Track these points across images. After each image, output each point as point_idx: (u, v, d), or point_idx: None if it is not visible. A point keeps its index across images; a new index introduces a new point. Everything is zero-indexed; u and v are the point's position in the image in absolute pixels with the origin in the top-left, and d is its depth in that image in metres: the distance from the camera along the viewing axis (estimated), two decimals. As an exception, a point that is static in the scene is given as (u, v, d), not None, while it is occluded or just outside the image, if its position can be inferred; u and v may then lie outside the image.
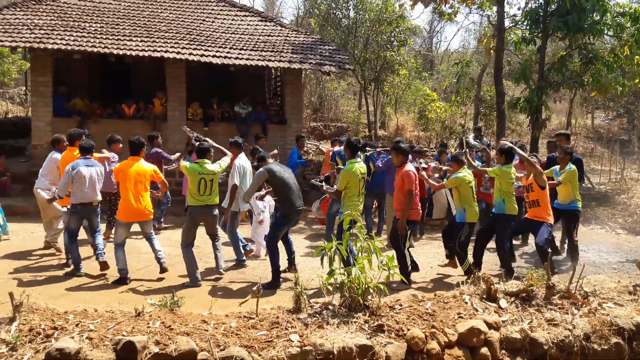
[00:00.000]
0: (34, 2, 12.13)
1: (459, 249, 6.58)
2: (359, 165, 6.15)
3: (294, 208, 6.13)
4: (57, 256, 7.11)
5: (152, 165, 6.56)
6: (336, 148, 8.99)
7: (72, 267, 6.41)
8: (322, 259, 4.60)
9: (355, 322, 4.25)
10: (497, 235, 6.75)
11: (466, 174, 6.59)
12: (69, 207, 6.56)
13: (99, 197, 6.54)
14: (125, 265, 6.16)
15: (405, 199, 6.07)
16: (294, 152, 10.77)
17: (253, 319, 4.27)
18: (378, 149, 8.98)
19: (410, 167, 6.27)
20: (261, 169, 6.23)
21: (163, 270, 6.33)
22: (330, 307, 4.50)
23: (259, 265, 7.01)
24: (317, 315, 4.33)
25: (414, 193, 6.13)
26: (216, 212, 6.42)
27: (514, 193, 6.70)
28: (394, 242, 6.31)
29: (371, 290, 4.50)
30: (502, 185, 6.53)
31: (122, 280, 6.10)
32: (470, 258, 6.65)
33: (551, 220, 6.64)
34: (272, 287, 5.99)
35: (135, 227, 6.59)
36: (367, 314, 4.38)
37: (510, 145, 6.88)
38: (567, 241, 7.60)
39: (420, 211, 6.53)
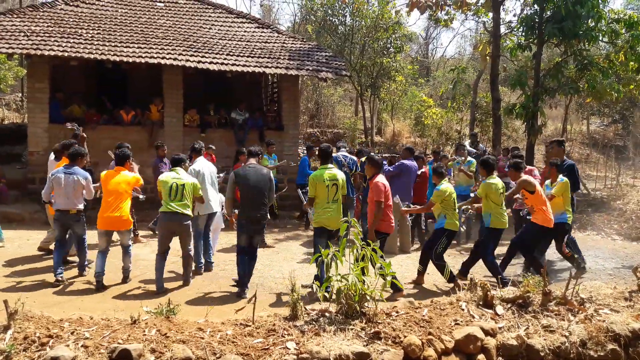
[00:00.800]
0: (30, 9, 12.16)
1: (435, 259, 6.46)
2: (329, 172, 6.07)
3: (245, 218, 6.08)
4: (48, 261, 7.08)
5: (133, 174, 6.59)
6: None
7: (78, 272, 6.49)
8: (317, 266, 4.58)
9: (352, 329, 4.24)
10: (481, 247, 6.66)
11: (448, 185, 6.61)
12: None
13: (78, 206, 6.38)
14: (102, 269, 6.14)
15: (374, 209, 6.04)
16: (305, 161, 10.59)
17: (249, 326, 4.25)
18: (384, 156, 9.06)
19: (380, 178, 6.19)
20: (231, 174, 6.25)
21: (124, 280, 6.41)
22: (327, 314, 4.48)
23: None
24: (314, 322, 4.32)
25: (385, 204, 6.06)
26: (187, 222, 6.28)
27: (503, 206, 6.53)
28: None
29: (368, 297, 4.50)
30: (491, 198, 6.44)
31: (97, 284, 6.10)
32: (449, 267, 6.51)
33: (544, 223, 6.53)
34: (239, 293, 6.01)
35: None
36: (364, 321, 4.37)
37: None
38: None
39: (393, 224, 6.32)
